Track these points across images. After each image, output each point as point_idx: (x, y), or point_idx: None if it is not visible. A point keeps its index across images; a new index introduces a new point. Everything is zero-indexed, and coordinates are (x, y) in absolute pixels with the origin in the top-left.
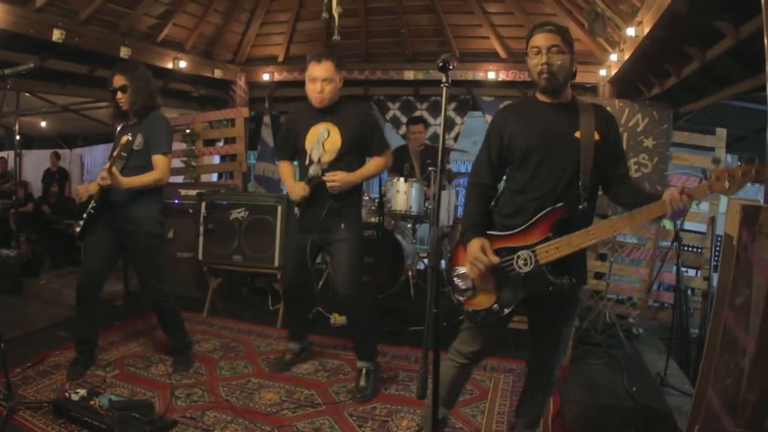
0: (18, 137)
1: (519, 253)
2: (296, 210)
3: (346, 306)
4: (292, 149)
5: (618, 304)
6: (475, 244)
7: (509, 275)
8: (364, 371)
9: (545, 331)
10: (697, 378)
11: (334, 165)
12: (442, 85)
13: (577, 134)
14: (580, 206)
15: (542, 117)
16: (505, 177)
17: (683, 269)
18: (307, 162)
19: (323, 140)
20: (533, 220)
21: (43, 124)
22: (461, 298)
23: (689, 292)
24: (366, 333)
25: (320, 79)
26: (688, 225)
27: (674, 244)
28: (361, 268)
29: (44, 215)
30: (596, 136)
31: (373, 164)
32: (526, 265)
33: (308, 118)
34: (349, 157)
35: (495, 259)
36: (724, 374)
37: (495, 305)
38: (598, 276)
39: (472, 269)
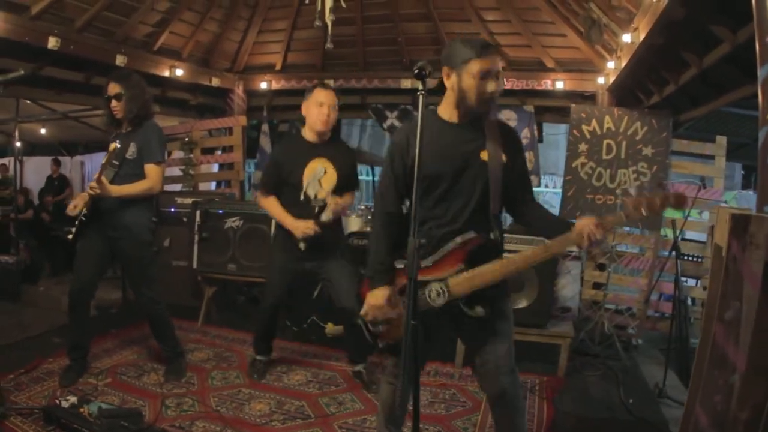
0: (18, 144)
1: (431, 285)
2: (302, 245)
3: (350, 318)
4: (280, 184)
5: (616, 314)
6: (378, 295)
7: (422, 309)
8: (364, 371)
9: (477, 352)
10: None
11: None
12: (418, 93)
13: (484, 155)
14: (492, 234)
15: (446, 138)
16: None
17: (683, 279)
18: (301, 197)
19: (320, 177)
20: (445, 251)
21: (43, 131)
22: (375, 331)
23: (689, 301)
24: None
25: (328, 105)
26: (689, 234)
27: (673, 253)
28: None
29: (44, 222)
30: (503, 158)
31: (350, 198)
32: (439, 297)
33: (301, 154)
34: (340, 193)
35: (398, 311)
36: (713, 391)
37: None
38: (597, 286)
39: (377, 315)
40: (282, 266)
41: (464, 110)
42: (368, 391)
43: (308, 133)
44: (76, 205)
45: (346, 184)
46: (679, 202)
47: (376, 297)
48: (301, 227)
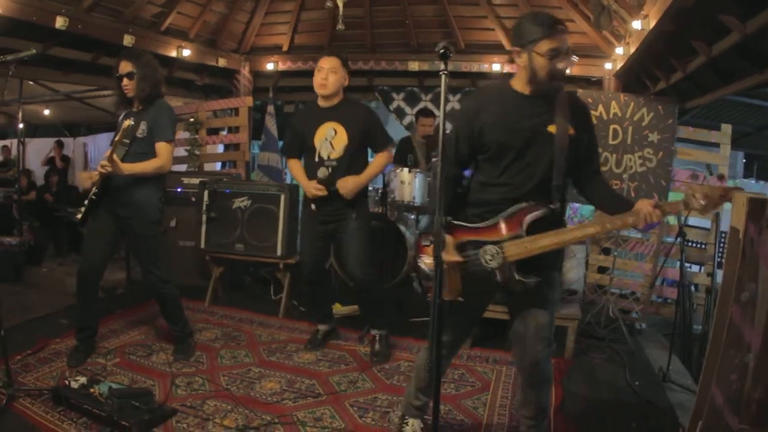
0: (21, 125)
1: (485, 247)
2: (313, 206)
3: (360, 287)
4: (300, 148)
5: (621, 298)
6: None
7: (475, 269)
8: (378, 336)
9: (522, 320)
10: (701, 374)
11: (342, 161)
12: (440, 73)
13: (552, 129)
14: (552, 206)
15: (517, 110)
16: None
17: (687, 265)
18: (316, 159)
19: (331, 139)
20: (504, 215)
21: (47, 112)
22: (427, 286)
23: (692, 288)
24: (379, 306)
25: (326, 69)
26: (692, 221)
27: (678, 239)
28: (369, 252)
29: (47, 203)
30: (570, 131)
31: (377, 162)
32: (492, 260)
33: (314, 118)
34: (354, 153)
35: (457, 259)
36: (729, 370)
37: (460, 297)
38: (602, 270)
39: (430, 259)
40: (307, 232)
41: (535, 87)
42: (371, 359)
43: (319, 99)
44: (89, 179)
45: (361, 143)
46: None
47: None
48: (311, 189)
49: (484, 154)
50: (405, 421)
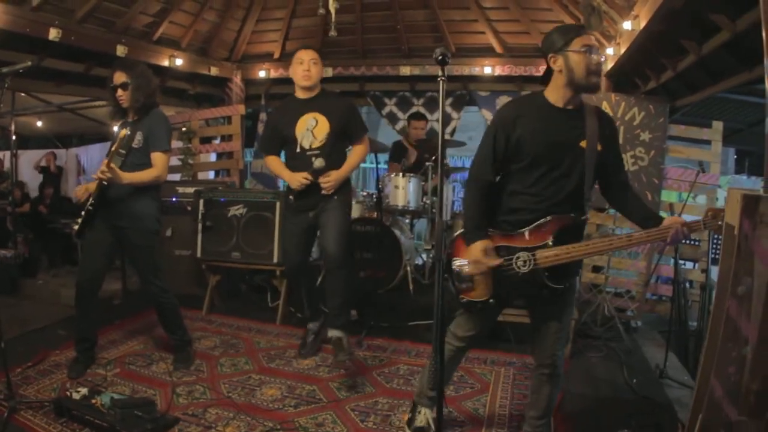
0: (14, 137)
1: (519, 254)
2: (291, 197)
3: (330, 267)
4: (280, 143)
5: (616, 297)
6: (478, 247)
7: (507, 273)
8: (343, 340)
9: (544, 321)
10: (698, 368)
11: (324, 149)
12: (439, 79)
13: (583, 144)
14: (583, 217)
15: (552, 123)
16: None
17: (681, 262)
18: (297, 149)
19: (312, 128)
20: (537, 224)
21: (39, 123)
22: (461, 287)
23: (687, 284)
24: (344, 300)
25: (308, 60)
26: (686, 218)
27: None
28: (349, 231)
29: (41, 215)
30: (599, 147)
31: (356, 152)
32: (525, 266)
33: (294, 110)
34: (336, 142)
35: (497, 262)
36: (727, 363)
37: (491, 299)
38: (596, 269)
39: (473, 268)
40: (291, 229)
41: (574, 89)
42: (336, 360)
43: (298, 92)
44: (85, 192)
45: (343, 131)
46: None
47: (476, 249)
48: (297, 177)
49: (518, 163)
50: (417, 410)
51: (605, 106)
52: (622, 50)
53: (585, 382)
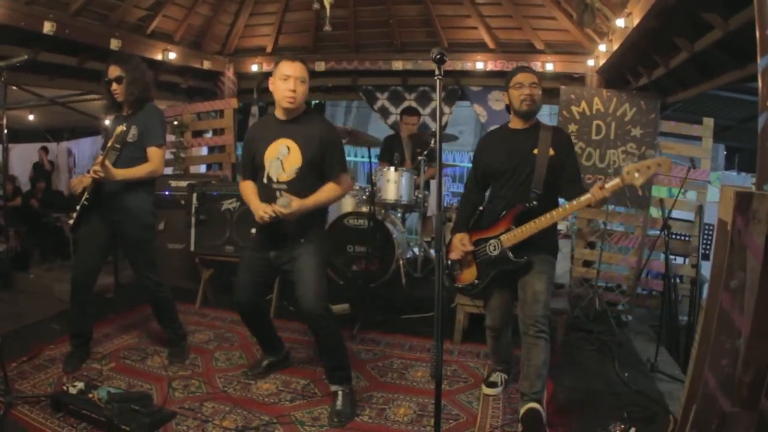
0: (5, 131)
1: (490, 241)
2: (252, 230)
3: (315, 327)
4: (253, 167)
5: (607, 291)
6: (457, 238)
7: (483, 257)
8: (341, 394)
9: (523, 290)
10: (690, 361)
11: (293, 185)
12: (436, 78)
13: (536, 151)
14: (529, 204)
15: (510, 141)
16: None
17: (671, 257)
18: (264, 180)
19: (282, 158)
20: (499, 217)
21: (31, 117)
22: (453, 275)
23: (678, 279)
24: (340, 354)
25: (294, 77)
26: (676, 213)
27: (663, 232)
28: (326, 284)
29: (33, 209)
30: (551, 152)
31: (325, 190)
32: (494, 249)
33: (269, 133)
34: (308, 176)
35: (470, 248)
36: (720, 355)
37: (476, 280)
38: (587, 264)
39: (454, 255)
40: (248, 262)
41: (518, 114)
42: (331, 421)
43: (278, 111)
44: (80, 184)
45: (316, 166)
46: (666, 165)
47: (455, 240)
48: (259, 210)
49: (490, 176)
50: (492, 372)
51: (596, 102)
52: (615, 47)
53: (577, 376)
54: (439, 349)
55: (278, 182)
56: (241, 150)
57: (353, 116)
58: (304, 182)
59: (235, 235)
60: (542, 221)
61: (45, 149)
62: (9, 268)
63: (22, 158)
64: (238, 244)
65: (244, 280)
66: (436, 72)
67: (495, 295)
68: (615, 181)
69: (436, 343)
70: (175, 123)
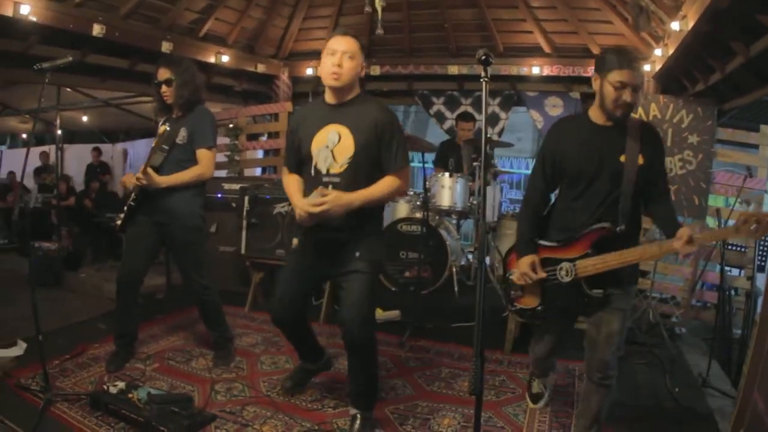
0: (59, 132)
1: (561, 264)
2: (294, 241)
3: (354, 351)
4: (298, 157)
5: (661, 303)
6: (526, 261)
7: (552, 283)
8: (359, 417)
9: (594, 327)
10: (741, 380)
11: (345, 177)
12: (482, 80)
13: (623, 158)
14: (618, 228)
15: (593, 140)
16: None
17: (727, 268)
18: (312, 172)
19: (333, 146)
20: (577, 236)
21: (85, 118)
22: (513, 295)
23: (732, 291)
24: (372, 381)
25: (341, 51)
26: (731, 223)
27: (718, 243)
28: (375, 303)
29: (86, 209)
30: (640, 160)
31: (383, 185)
32: (567, 275)
33: (316, 119)
34: (363, 167)
35: (542, 275)
36: None
37: (539, 307)
38: (642, 274)
39: (521, 279)
40: (292, 266)
41: (604, 112)
42: None
43: (327, 94)
44: (131, 182)
45: (372, 156)
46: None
47: (524, 263)
48: (297, 207)
49: (564, 180)
50: (532, 380)
51: (653, 108)
52: (670, 51)
53: (627, 390)
54: (478, 365)
55: (329, 174)
56: (285, 139)
57: (411, 121)
58: (357, 174)
59: (287, 239)
60: (628, 255)
61: (98, 150)
62: (60, 267)
63: (79, 159)
64: (290, 247)
65: (286, 290)
66: (482, 74)
67: (553, 324)
68: (713, 234)
69: (475, 359)
70: (230, 126)
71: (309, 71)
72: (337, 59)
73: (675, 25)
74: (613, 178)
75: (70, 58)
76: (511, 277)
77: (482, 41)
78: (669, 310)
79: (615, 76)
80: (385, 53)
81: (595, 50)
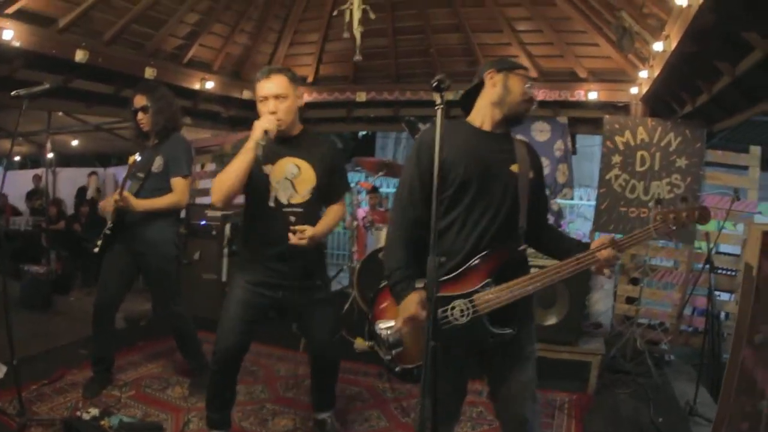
0: (51, 155)
1: (454, 302)
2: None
3: (325, 368)
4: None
5: (649, 329)
6: (413, 300)
7: (443, 328)
8: (328, 419)
9: (503, 381)
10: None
11: (307, 206)
12: (436, 107)
13: (514, 168)
14: (520, 248)
15: (479, 144)
16: None
17: (717, 293)
18: (271, 203)
19: (293, 177)
20: (470, 264)
21: (75, 143)
22: (389, 356)
23: (723, 316)
24: (334, 384)
25: (272, 96)
26: (723, 247)
27: (707, 267)
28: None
29: (75, 233)
30: (530, 174)
31: (333, 214)
32: (463, 315)
33: (269, 153)
34: (322, 197)
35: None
36: (740, 418)
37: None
38: (630, 300)
39: (405, 325)
40: (241, 294)
41: (503, 110)
42: None
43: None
44: (109, 207)
45: (326, 186)
46: (704, 215)
47: (410, 303)
48: (258, 125)
49: (447, 191)
50: None
51: (641, 132)
52: (656, 73)
53: (609, 421)
54: (423, 410)
55: (290, 205)
56: None
57: (402, 147)
58: (317, 203)
59: None
60: (538, 280)
61: (95, 174)
62: (49, 291)
63: (71, 183)
64: None
65: (234, 322)
66: (437, 101)
67: (450, 379)
68: (630, 238)
69: (421, 405)
70: (218, 153)
71: None
72: (271, 106)
73: (658, 46)
74: (506, 190)
75: (47, 86)
76: (384, 330)
77: (469, 66)
78: (657, 337)
79: (524, 72)
80: (371, 80)
81: (582, 74)
